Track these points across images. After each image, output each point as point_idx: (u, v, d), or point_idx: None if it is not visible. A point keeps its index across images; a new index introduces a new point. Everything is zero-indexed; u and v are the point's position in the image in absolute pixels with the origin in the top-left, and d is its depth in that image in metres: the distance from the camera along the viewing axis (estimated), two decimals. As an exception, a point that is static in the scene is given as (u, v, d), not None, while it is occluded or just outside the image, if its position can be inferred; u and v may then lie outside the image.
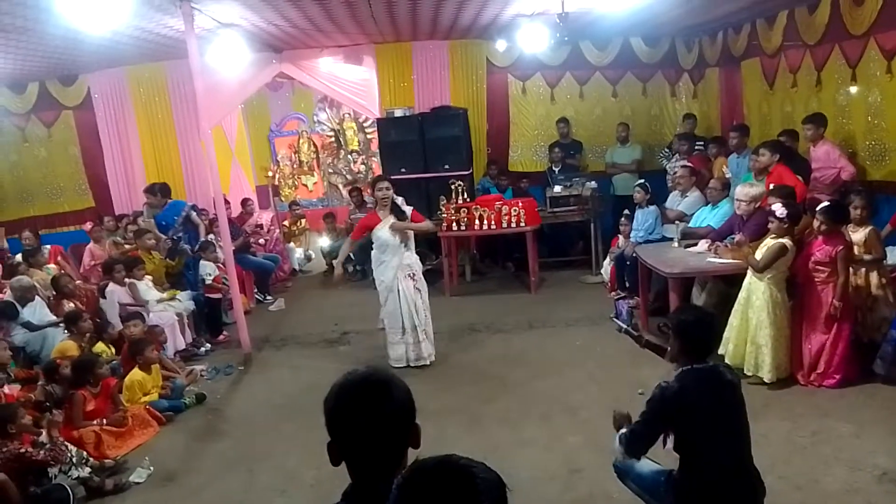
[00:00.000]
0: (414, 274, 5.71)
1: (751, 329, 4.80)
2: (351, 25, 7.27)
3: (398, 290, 5.64)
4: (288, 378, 5.95)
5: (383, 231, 5.65)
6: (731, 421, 2.67)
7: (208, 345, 6.88)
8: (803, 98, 7.12)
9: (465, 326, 6.90)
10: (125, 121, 8.99)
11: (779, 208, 4.73)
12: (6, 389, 4.70)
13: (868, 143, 6.20)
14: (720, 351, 4.96)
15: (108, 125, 8.99)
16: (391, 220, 5.65)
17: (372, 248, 5.88)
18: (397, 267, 5.65)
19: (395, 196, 8.25)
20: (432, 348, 5.85)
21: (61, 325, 5.86)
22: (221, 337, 7.12)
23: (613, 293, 7.52)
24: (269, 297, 8.57)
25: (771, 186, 5.73)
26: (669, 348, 2.92)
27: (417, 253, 8.96)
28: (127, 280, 6.45)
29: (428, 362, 5.80)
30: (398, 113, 8.72)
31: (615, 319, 3.19)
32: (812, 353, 4.75)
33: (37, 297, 6.10)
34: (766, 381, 4.74)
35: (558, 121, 9.18)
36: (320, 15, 6.48)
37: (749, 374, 4.83)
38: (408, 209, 5.74)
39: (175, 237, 7.26)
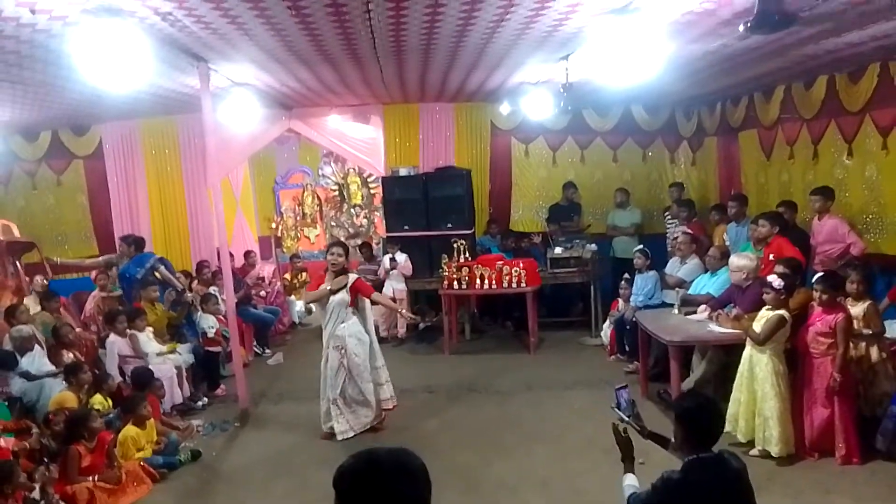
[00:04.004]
0: (342, 347, 5.52)
1: (757, 402, 4.79)
2: (361, 87, 7.49)
3: (327, 358, 5.60)
4: (283, 435, 5.88)
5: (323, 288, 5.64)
6: None
7: (205, 398, 6.83)
8: (800, 169, 7.28)
9: (464, 386, 6.87)
10: (134, 171, 9.11)
11: (774, 279, 4.79)
12: (2, 442, 4.64)
13: (866, 217, 6.31)
14: (727, 428, 4.94)
15: (117, 175, 9.10)
16: (327, 285, 5.59)
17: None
18: (329, 335, 5.59)
19: (398, 253, 8.42)
20: (345, 426, 5.56)
21: (59, 375, 5.83)
22: (219, 391, 7.07)
23: (613, 357, 7.53)
24: (267, 351, 8.55)
25: (770, 257, 5.82)
26: (673, 437, 2.90)
27: (417, 311, 9.14)
28: (128, 331, 6.45)
29: (339, 438, 5.51)
30: (403, 172, 8.89)
31: (615, 409, 3.18)
32: (814, 426, 4.73)
33: (36, 346, 6.08)
34: (773, 455, 4.69)
35: (566, 185, 9.32)
36: (332, 77, 6.68)
37: (759, 447, 4.79)
38: (352, 278, 5.65)
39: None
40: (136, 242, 7.57)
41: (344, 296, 5.55)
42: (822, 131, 6.84)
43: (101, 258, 8.27)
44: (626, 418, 3.05)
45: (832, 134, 6.70)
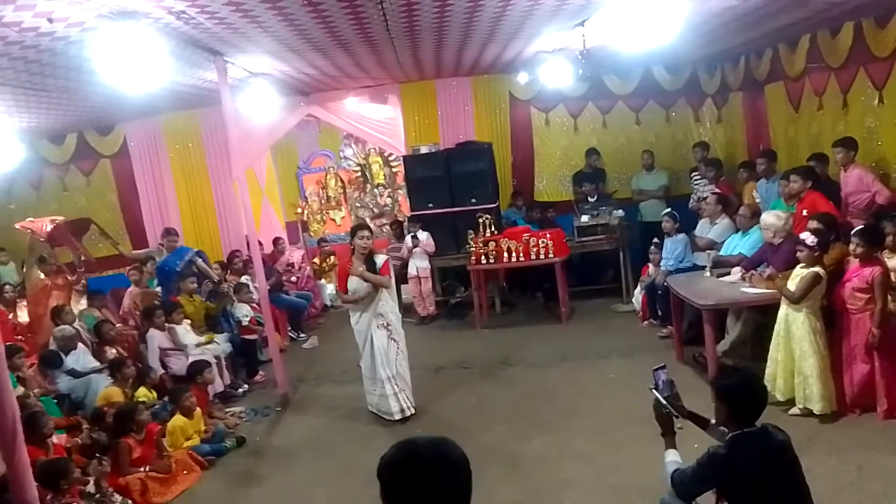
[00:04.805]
0: (388, 324, 5.62)
1: (795, 360, 4.76)
2: (377, 69, 7.46)
3: (371, 339, 5.59)
4: (324, 418, 6.01)
5: (355, 281, 5.58)
6: (785, 483, 2.62)
7: (245, 385, 6.99)
8: (830, 120, 7.08)
9: (498, 360, 6.91)
10: (160, 167, 9.28)
11: (808, 237, 4.71)
12: (54, 439, 4.82)
13: (899, 166, 6.14)
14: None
15: (143, 172, 9.29)
16: (360, 268, 5.55)
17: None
18: (371, 315, 5.59)
19: (419, 231, 8.45)
20: (403, 404, 5.62)
21: (104, 371, 6.01)
22: (258, 377, 7.23)
23: (646, 322, 7.51)
24: (302, 335, 8.69)
25: (804, 212, 5.71)
26: (715, 414, 2.89)
27: (446, 286, 9.21)
28: (166, 325, 6.61)
29: (397, 417, 5.58)
30: (424, 149, 8.87)
31: (653, 391, 3.16)
32: (854, 383, 4.68)
33: (80, 344, 6.28)
34: (816, 412, 4.67)
35: (588, 152, 9.24)
36: (348, 62, 6.67)
37: (800, 406, 4.77)
38: (380, 259, 5.66)
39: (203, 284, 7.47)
40: (175, 234, 7.80)
41: (380, 277, 5.60)
42: (851, 79, 6.62)
43: (142, 251, 8.49)
44: (665, 399, 3.04)
45: (862, 81, 6.48)
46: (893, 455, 4.12)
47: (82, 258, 7.86)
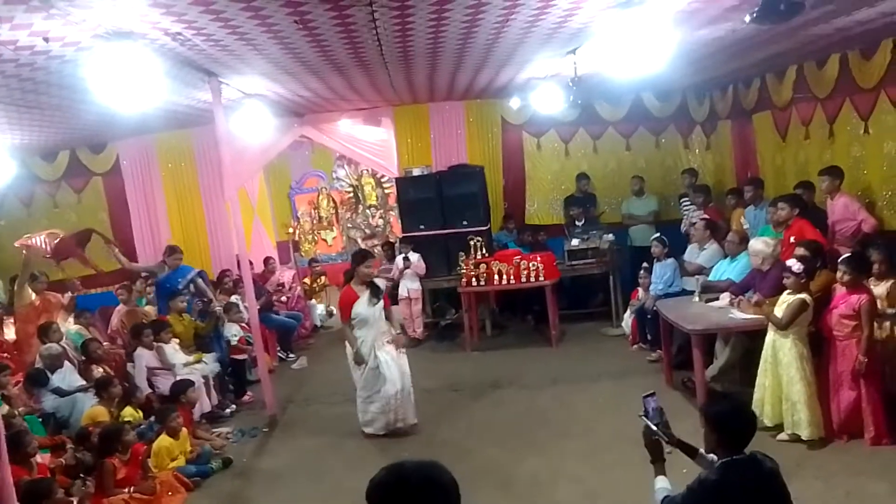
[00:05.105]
0: (394, 339, 5.81)
1: (783, 386, 4.78)
2: (371, 92, 7.53)
3: (379, 359, 5.61)
4: (313, 439, 5.97)
5: (362, 307, 5.62)
6: None
7: (233, 406, 6.93)
8: (817, 149, 7.19)
9: (488, 382, 6.90)
10: (152, 185, 9.26)
11: (794, 264, 4.77)
12: (38, 458, 4.76)
13: (885, 194, 6.22)
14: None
15: (135, 190, 9.26)
16: (367, 294, 5.64)
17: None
18: (374, 338, 5.63)
19: (410, 253, 8.46)
20: (413, 411, 5.81)
21: (90, 390, 5.95)
22: (246, 397, 7.17)
23: (635, 346, 7.53)
24: (291, 356, 8.63)
25: (791, 239, 5.78)
26: (704, 440, 2.90)
27: (437, 307, 9.21)
28: (155, 344, 6.56)
29: (415, 422, 5.79)
30: (416, 172, 8.92)
31: (643, 418, 3.16)
32: (841, 409, 4.71)
33: (66, 363, 6.22)
34: (804, 438, 4.69)
35: (578, 176, 9.33)
36: (342, 85, 6.73)
37: (788, 431, 4.79)
38: (382, 284, 5.82)
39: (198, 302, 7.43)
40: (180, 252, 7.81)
41: (381, 304, 5.71)
42: (837, 110, 6.75)
43: (141, 265, 8.46)
44: (654, 427, 3.04)
45: (847, 112, 6.61)
46: (881, 481, 4.14)
47: (93, 271, 7.84)
